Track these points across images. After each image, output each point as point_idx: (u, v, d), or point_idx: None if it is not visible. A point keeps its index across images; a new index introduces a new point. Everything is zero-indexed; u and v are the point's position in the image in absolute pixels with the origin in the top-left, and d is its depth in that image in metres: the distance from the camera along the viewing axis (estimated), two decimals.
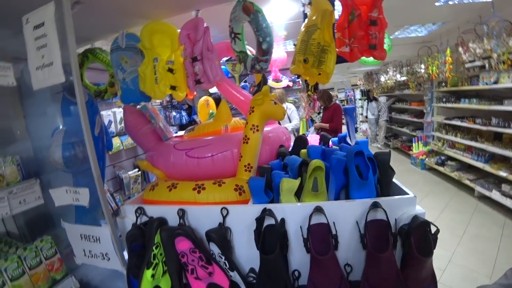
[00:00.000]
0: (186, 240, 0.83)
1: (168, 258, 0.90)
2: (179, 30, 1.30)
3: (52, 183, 1.23)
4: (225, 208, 0.87)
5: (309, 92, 3.76)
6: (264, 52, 1.17)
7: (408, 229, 0.78)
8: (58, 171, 1.26)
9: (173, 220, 0.94)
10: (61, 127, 1.35)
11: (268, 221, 0.84)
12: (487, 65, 3.27)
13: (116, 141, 2.39)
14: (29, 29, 1.00)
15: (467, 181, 3.77)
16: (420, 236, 0.78)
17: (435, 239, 0.79)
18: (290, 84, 4.04)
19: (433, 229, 0.78)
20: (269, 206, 0.84)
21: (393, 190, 0.94)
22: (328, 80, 1.29)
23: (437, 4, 2.44)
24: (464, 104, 3.86)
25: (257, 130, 1.03)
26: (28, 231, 1.33)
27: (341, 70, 6.80)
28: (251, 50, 1.35)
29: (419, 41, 3.97)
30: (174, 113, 3.33)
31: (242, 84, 3.66)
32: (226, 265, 0.85)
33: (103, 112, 2.28)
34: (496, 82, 3.31)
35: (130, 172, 2.47)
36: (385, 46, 1.92)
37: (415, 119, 5.66)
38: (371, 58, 1.28)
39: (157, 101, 3.20)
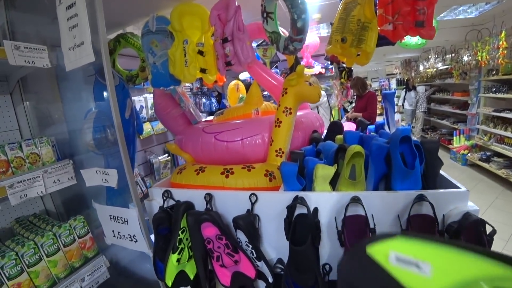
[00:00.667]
0: (213, 226, 0.80)
1: (194, 244, 0.87)
2: (209, 11, 1.25)
3: (85, 164, 1.26)
4: (254, 194, 0.82)
5: (342, 80, 3.58)
6: (299, 30, 1.09)
7: (458, 227, 0.69)
8: (90, 153, 1.30)
9: (200, 205, 0.92)
10: (93, 109, 1.38)
11: (300, 210, 0.78)
12: None
13: (147, 127, 2.45)
14: (62, 10, 1.01)
15: None
16: (472, 236, 0.69)
17: (490, 241, 0.69)
18: (322, 71, 3.88)
19: (488, 229, 0.68)
20: (302, 193, 0.78)
21: (441, 183, 0.84)
22: (368, 60, 1.18)
23: None
24: None
25: (290, 113, 0.96)
26: (64, 210, 1.40)
27: (376, 57, 6.41)
28: (283, 31, 1.27)
29: (467, 24, 3.59)
30: (204, 100, 3.35)
31: (273, 70, 3.58)
32: (253, 254, 0.81)
33: (134, 98, 2.33)
34: None
35: (160, 157, 2.53)
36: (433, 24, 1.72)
37: (458, 111, 5.20)
38: (414, 40, 1.15)
39: (187, 86, 3.23)
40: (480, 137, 4.39)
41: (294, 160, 0.92)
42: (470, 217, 0.70)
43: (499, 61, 3.39)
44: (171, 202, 0.98)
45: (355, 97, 3.69)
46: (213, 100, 3.45)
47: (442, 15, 3.13)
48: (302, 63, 3.00)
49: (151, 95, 2.51)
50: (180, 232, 0.89)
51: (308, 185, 0.86)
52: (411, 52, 5.99)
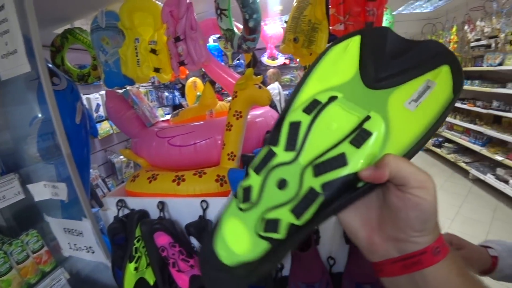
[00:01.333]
0: (165, 234, 0.80)
1: (149, 252, 0.87)
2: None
3: (33, 175, 1.18)
4: (205, 201, 0.83)
5: (307, 70, 3.64)
6: (251, 30, 1.09)
7: None
8: (38, 163, 1.22)
9: (154, 213, 0.91)
10: (39, 116, 1.29)
11: None
12: (493, 45, 3.13)
13: (105, 125, 2.34)
14: None
15: (463, 164, 3.75)
16: None
17: None
18: (287, 61, 3.91)
19: None
20: None
21: None
22: None
23: None
24: (466, 86, 3.76)
25: (241, 117, 0.97)
26: (16, 224, 1.31)
27: None
28: (239, 28, 1.26)
29: (423, 18, 3.80)
30: (166, 93, 3.24)
31: (236, 62, 3.54)
32: None
33: (90, 96, 2.20)
34: (501, 64, 3.17)
35: (121, 157, 2.44)
36: (386, 23, 1.81)
37: None
38: None
39: (149, 81, 3.11)
40: None
41: (244, 163, 0.93)
42: None
43: None
44: (127, 211, 0.97)
45: None
46: (177, 93, 3.35)
47: (400, 9, 3.28)
48: (266, 54, 3.00)
49: None
50: (135, 241, 0.88)
51: None
52: None
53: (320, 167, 0.30)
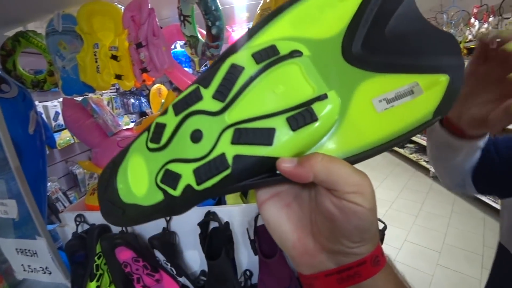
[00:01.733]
0: (127, 249, 0.76)
1: (111, 269, 0.83)
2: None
3: None
4: None
5: None
6: (214, 37, 1.09)
7: None
8: None
9: (116, 227, 0.86)
10: None
11: (214, 223, 0.80)
12: None
13: (66, 135, 2.19)
14: None
15: (424, 163, 4.01)
16: None
17: (382, 237, 0.80)
18: None
19: (380, 226, 0.78)
20: (213, 208, 0.79)
21: None
22: None
23: None
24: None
25: None
26: None
27: None
28: (203, 34, 1.25)
29: None
30: (132, 100, 3.11)
31: (204, 68, 3.50)
32: (173, 271, 0.80)
33: (48, 103, 2.06)
34: None
35: None
36: None
37: None
38: None
39: (113, 87, 2.98)
40: None
41: None
42: None
43: None
44: (87, 226, 0.91)
45: None
46: (143, 100, 3.24)
47: None
48: None
49: None
50: (96, 258, 0.83)
51: (223, 198, 0.87)
52: None
53: (241, 134, 0.24)
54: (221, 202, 0.87)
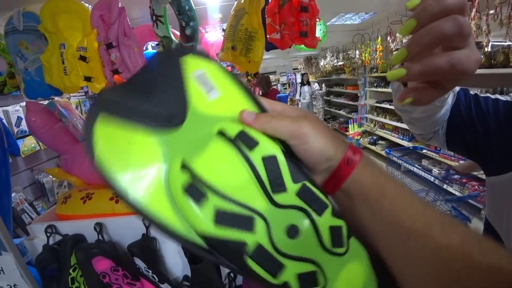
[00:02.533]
0: (105, 259, 0.73)
1: (88, 281, 0.78)
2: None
3: None
4: None
5: (249, 77, 3.73)
6: (188, 38, 1.07)
7: None
8: None
9: (92, 236, 0.82)
10: None
11: None
12: None
13: (30, 141, 2.05)
14: None
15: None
16: None
17: None
18: (229, 68, 3.94)
19: None
20: None
21: None
22: (257, 69, 1.24)
23: None
24: (392, 89, 4.26)
25: None
26: None
27: (281, 54, 6.91)
28: (176, 35, 1.23)
29: (353, 29, 4.19)
30: None
31: None
32: (155, 279, 0.77)
33: (8, 108, 1.92)
34: None
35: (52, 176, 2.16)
36: (320, 33, 1.93)
37: (351, 102, 6.09)
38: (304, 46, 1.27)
39: (81, 90, 2.83)
40: (368, 124, 5.25)
41: None
42: None
43: (377, 61, 4.09)
44: (59, 237, 0.86)
45: (261, 94, 3.90)
46: None
47: (332, 20, 3.58)
48: None
49: None
50: (71, 270, 0.78)
51: None
52: (308, 51, 6.65)
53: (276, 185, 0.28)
54: None
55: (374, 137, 5.03)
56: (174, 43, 1.14)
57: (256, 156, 0.26)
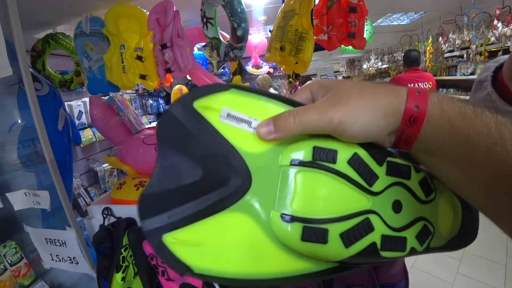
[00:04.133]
0: None
1: (137, 261, 0.85)
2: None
3: (12, 183, 1.14)
4: None
5: (290, 79, 3.71)
6: (239, 39, 1.11)
7: None
8: (17, 171, 1.17)
9: None
10: (19, 122, 1.25)
11: None
12: (465, 56, 3.32)
13: (88, 133, 2.27)
14: None
15: None
16: None
17: None
18: (271, 70, 3.96)
19: None
20: None
21: None
22: (306, 69, 1.25)
23: None
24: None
25: None
26: None
27: (323, 56, 6.79)
28: (224, 36, 1.28)
29: (401, 30, 3.99)
30: (151, 101, 3.20)
31: (221, 70, 3.56)
32: None
33: (72, 103, 2.15)
34: (473, 73, 3.36)
35: (104, 165, 2.37)
36: (367, 34, 1.88)
37: None
38: (351, 47, 1.25)
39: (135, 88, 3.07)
40: None
41: None
42: None
43: (426, 64, 3.82)
44: (113, 219, 0.94)
45: None
46: (161, 101, 3.31)
47: (378, 21, 3.43)
48: (251, 63, 3.04)
49: None
50: (122, 250, 0.86)
51: None
52: (353, 53, 6.44)
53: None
54: None
55: None
56: (223, 44, 1.19)
57: (342, 165, 0.25)
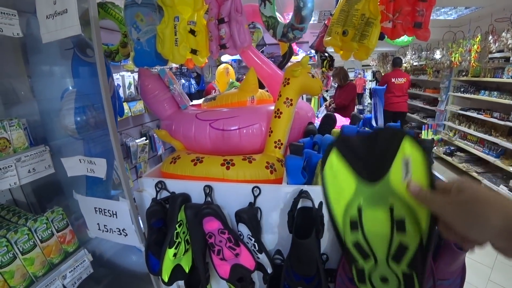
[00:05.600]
0: (216, 220, 0.76)
1: (194, 238, 0.84)
2: None
3: (62, 150, 1.14)
4: (257, 187, 0.79)
5: (324, 69, 3.58)
6: (303, 19, 1.05)
7: None
8: (67, 138, 1.17)
9: (196, 197, 0.87)
10: (70, 88, 1.24)
11: (303, 203, 0.77)
12: (511, 58, 3.09)
13: (124, 107, 2.29)
14: None
15: (475, 174, 3.72)
16: None
17: None
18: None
19: None
20: (306, 187, 0.77)
21: None
22: (367, 56, 1.18)
23: None
24: (483, 96, 3.71)
25: (291, 104, 0.93)
26: (36, 200, 1.26)
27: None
28: (280, 17, 1.22)
29: (445, 25, 3.75)
30: (183, 81, 3.19)
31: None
32: (255, 247, 0.79)
33: (124, 73, 2.15)
34: None
35: (137, 140, 2.39)
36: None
37: (428, 106, 5.51)
38: (402, 38, 1.17)
39: (168, 66, 3.06)
40: (446, 132, 4.70)
41: (293, 152, 0.90)
42: None
43: (471, 63, 3.59)
44: (164, 194, 0.93)
45: (336, 86, 3.73)
46: (192, 81, 3.29)
47: None
48: None
49: (129, 73, 2.33)
50: (177, 225, 0.84)
51: (309, 179, 0.84)
52: (390, 46, 6.16)
53: (396, 256, 0.45)
54: (307, 183, 0.85)
55: (452, 148, 4.49)
56: (280, 24, 1.13)
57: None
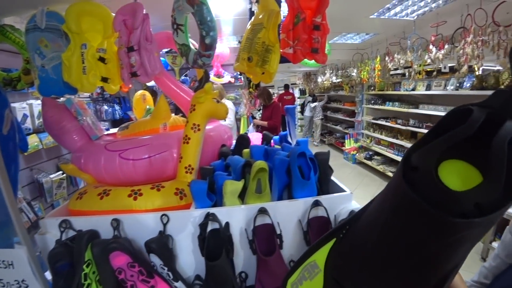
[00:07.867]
0: (123, 254, 0.74)
1: (103, 277, 0.79)
2: (113, 14, 1.16)
3: None
4: (166, 215, 0.80)
5: (251, 89, 3.78)
6: (207, 47, 1.12)
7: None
8: None
9: (106, 232, 0.83)
10: None
11: (212, 225, 0.81)
12: (407, 74, 3.76)
13: (33, 140, 2.04)
14: None
15: (390, 173, 4.30)
16: None
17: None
18: (232, 80, 4.00)
19: None
20: (213, 210, 0.81)
21: (332, 187, 0.99)
22: (271, 80, 1.30)
23: (371, 16, 2.69)
24: (388, 107, 4.39)
25: (199, 130, 0.97)
26: None
27: (282, 69, 7.07)
28: (194, 44, 1.28)
29: (353, 48, 4.34)
30: (106, 107, 2.99)
31: (183, 78, 3.49)
32: (169, 276, 0.78)
33: (15, 105, 1.92)
34: (413, 89, 3.87)
35: (52, 176, 2.13)
36: (326, 51, 2.01)
37: (348, 118, 6.23)
38: (313, 61, 1.33)
39: (86, 93, 2.84)
40: (364, 140, 5.35)
41: (203, 176, 0.93)
42: (354, 213, 0.85)
43: (375, 80, 4.22)
44: (71, 233, 0.86)
45: (262, 105, 3.94)
46: (117, 107, 3.12)
47: (334, 39, 3.71)
48: (212, 72, 3.04)
49: (38, 101, 2.10)
50: (85, 266, 0.78)
51: (219, 200, 0.89)
52: (312, 67, 6.82)
53: None
54: (217, 205, 0.88)
55: (370, 152, 5.12)
56: (192, 51, 1.18)
57: None
